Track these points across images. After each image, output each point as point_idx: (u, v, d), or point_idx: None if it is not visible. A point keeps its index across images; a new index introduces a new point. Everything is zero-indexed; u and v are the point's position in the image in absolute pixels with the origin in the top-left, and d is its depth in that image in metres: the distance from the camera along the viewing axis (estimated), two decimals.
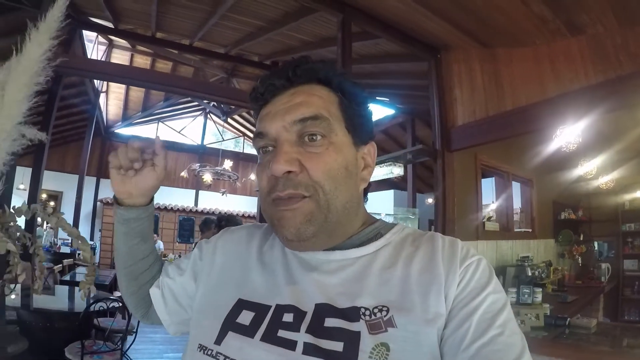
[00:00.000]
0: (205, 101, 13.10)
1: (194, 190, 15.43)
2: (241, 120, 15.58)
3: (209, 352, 0.73)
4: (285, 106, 0.78)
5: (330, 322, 0.69)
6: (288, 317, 0.72)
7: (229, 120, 15.31)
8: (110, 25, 7.02)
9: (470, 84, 4.49)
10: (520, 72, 4.01)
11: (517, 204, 6.02)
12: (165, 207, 13.79)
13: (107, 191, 12.83)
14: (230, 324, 0.75)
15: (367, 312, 0.69)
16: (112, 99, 12.59)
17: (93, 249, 11.19)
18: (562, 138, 4.37)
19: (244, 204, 15.42)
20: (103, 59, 9.92)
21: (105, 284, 6.98)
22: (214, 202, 15.01)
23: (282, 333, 0.70)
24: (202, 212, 13.88)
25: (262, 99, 0.84)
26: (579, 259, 6.56)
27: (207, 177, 12.85)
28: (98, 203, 13.59)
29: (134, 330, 4.22)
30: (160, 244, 11.84)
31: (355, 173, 0.80)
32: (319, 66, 0.83)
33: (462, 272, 0.71)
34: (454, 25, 4.08)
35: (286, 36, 6.39)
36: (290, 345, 0.68)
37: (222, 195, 14.09)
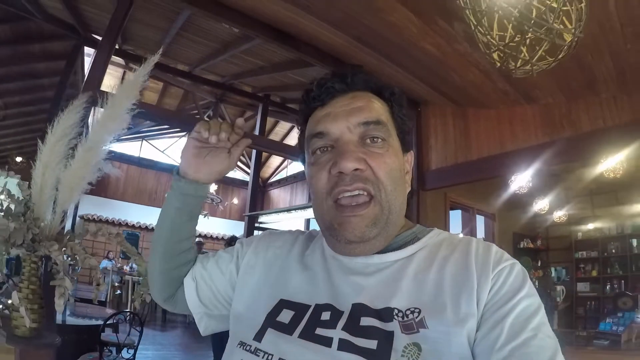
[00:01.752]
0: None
1: None
2: None
3: (248, 348, 0.77)
4: (347, 108, 0.83)
5: (365, 321, 0.72)
6: (326, 316, 0.76)
7: None
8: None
9: (443, 135, 5.51)
10: (485, 129, 5.05)
11: (480, 234, 7.18)
12: (147, 227, 13.62)
13: (87, 207, 12.72)
14: (270, 322, 0.79)
15: (400, 314, 0.72)
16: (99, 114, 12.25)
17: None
18: (516, 183, 5.61)
19: (223, 227, 15.43)
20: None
21: (102, 300, 7.18)
22: None
23: (319, 331, 0.74)
24: None
25: (319, 101, 0.87)
26: (536, 282, 7.54)
27: None
28: (78, 219, 13.61)
29: (134, 344, 4.31)
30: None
31: (404, 177, 0.86)
32: (372, 77, 0.89)
33: (495, 276, 0.73)
34: (433, 89, 4.99)
35: (285, 76, 6.94)
36: (326, 342, 0.71)
37: (205, 217, 13.71)
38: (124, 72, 10.72)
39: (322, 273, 0.85)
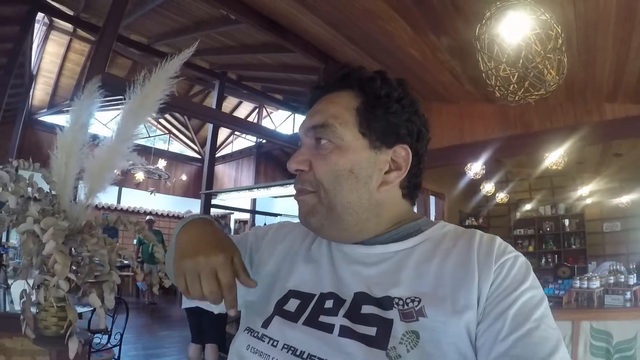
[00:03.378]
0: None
1: (117, 187, 14.06)
2: (170, 119, 15.48)
3: (255, 334, 0.81)
4: (310, 113, 0.89)
5: (366, 309, 0.75)
6: (329, 304, 0.79)
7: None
8: (68, 11, 7.04)
9: None
10: (447, 122, 5.81)
11: (432, 212, 8.09)
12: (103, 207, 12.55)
13: None
14: (278, 311, 0.83)
15: (400, 302, 0.74)
16: (40, 83, 11.55)
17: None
18: (472, 170, 6.38)
19: (170, 204, 14.89)
20: (39, 40, 9.67)
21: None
22: (138, 200, 14.18)
23: (322, 318, 0.77)
24: (126, 210, 13.36)
25: (308, 104, 0.93)
26: None
27: (140, 176, 12.48)
28: None
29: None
30: None
31: (367, 175, 0.83)
32: (353, 72, 0.89)
33: (497, 268, 0.73)
34: None
35: (253, 57, 7.16)
36: (328, 328, 0.75)
37: (151, 194, 13.59)
38: (70, 40, 10.33)
39: (327, 263, 0.88)
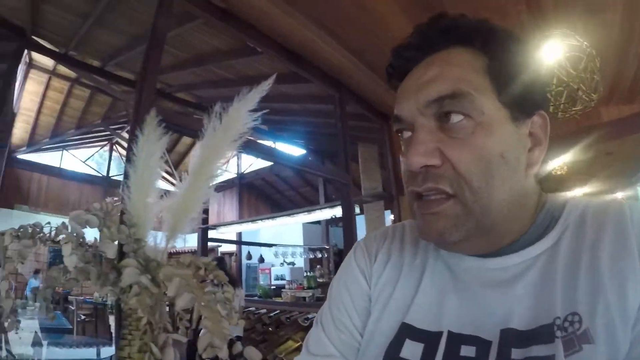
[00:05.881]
0: (118, 131, 12.95)
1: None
2: None
3: None
4: (418, 82, 0.66)
5: (519, 353, 0.57)
6: (468, 351, 0.61)
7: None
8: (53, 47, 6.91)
9: None
10: None
11: None
12: (54, 240, 12.97)
13: (4, 222, 11.99)
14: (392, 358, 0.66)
15: (561, 326, 0.56)
16: (19, 121, 11.66)
17: None
18: None
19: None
20: (20, 78, 9.55)
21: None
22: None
23: None
24: None
25: (396, 76, 0.73)
26: None
27: None
28: None
29: None
30: None
31: (517, 157, 0.64)
32: (458, 23, 0.68)
33: None
34: None
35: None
36: None
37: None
38: (49, 78, 10.29)
39: (450, 284, 0.69)
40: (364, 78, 5.01)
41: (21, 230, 1.12)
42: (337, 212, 7.15)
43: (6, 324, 0.98)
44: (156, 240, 1.35)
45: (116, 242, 1.22)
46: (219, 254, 13.66)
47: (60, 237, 1.22)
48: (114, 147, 15.76)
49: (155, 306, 1.09)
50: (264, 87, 1.47)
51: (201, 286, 1.26)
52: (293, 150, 10.10)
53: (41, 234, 1.13)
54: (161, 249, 1.43)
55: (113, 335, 8.96)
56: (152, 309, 1.05)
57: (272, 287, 8.56)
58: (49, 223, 1.07)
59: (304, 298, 6.82)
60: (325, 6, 3.84)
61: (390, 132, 6.03)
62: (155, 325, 1.10)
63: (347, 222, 5.04)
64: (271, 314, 6.37)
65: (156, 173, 1.48)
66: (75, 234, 1.14)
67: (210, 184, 1.49)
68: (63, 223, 1.28)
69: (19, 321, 0.98)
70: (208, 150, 1.48)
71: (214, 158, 1.51)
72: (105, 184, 15.11)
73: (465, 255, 0.70)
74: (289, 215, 8.74)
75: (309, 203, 13.40)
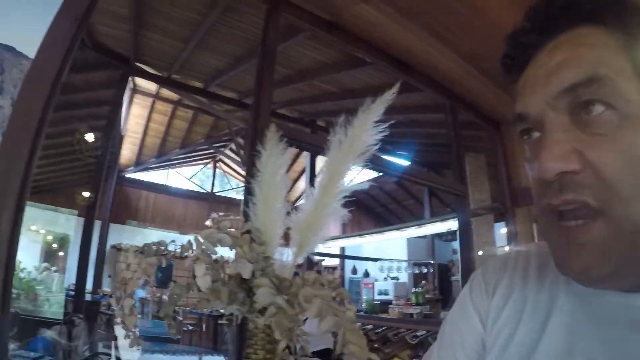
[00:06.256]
0: (221, 148, 13.53)
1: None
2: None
3: None
4: (544, 71, 0.55)
5: None
6: None
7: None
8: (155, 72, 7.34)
9: None
10: None
11: None
12: (180, 256, 13.83)
13: (117, 236, 13.08)
14: None
15: None
16: (127, 143, 12.63)
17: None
18: None
19: None
20: (125, 104, 10.15)
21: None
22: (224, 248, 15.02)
23: None
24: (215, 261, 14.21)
25: (515, 67, 0.61)
26: None
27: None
28: (109, 248, 13.65)
29: None
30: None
31: None
32: None
33: None
34: None
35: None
36: None
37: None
38: (153, 101, 10.89)
39: (582, 327, 0.55)
40: (475, 84, 4.82)
41: (145, 247, 1.05)
42: (447, 226, 6.92)
43: (129, 341, 0.95)
44: (282, 257, 1.25)
45: (250, 262, 1.12)
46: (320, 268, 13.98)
47: (187, 254, 1.15)
48: (217, 164, 16.47)
49: (292, 328, 0.95)
50: (388, 96, 1.32)
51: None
52: (398, 162, 9.81)
53: (166, 252, 1.06)
54: (288, 266, 1.31)
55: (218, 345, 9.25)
56: (289, 332, 0.92)
57: (377, 302, 8.45)
58: (173, 241, 1.01)
59: (411, 314, 6.64)
60: (436, 12, 3.73)
61: (503, 140, 5.74)
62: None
63: (464, 237, 4.79)
64: (378, 330, 6.23)
65: (282, 189, 1.39)
66: (207, 253, 1.06)
67: (339, 200, 1.36)
68: (189, 241, 1.20)
69: (141, 337, 0.97)
70: (335, 165, 1.37)
71: (341, 173, 1.40)
72: (210, 200, 15.88)
73: (606, 290, 0.54)
74: (397, 229, 8.62)
75: (412, 216, 13.12)
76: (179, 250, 1.05)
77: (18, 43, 1.71)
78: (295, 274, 1.11)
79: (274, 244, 1.28)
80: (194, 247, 1.13)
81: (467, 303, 0.72)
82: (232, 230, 1.20)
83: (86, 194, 6.49)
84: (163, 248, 1.12)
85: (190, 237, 1.05)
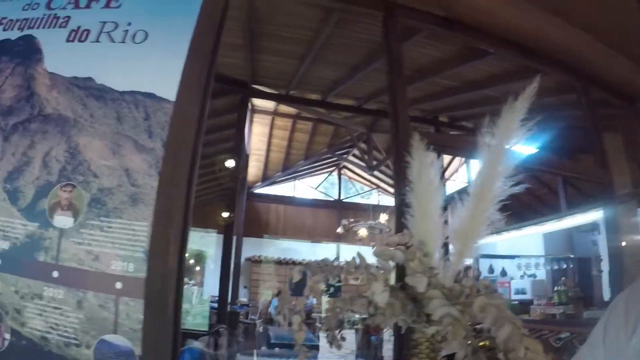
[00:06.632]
0: (344, 155, 13.75)
1: (335, 244, 15.28)
2: (377, 173, 15.72)
3: None
4: None
5: None
6: None
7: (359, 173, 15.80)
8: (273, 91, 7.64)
9: None
10: None
11: None
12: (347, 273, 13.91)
13: (250, 249, 13.87)
14: None
15: None
16: (252, 160, 13.11)
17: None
18: None
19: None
20: (247, 125, 10.40)
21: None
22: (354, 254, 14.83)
23: None
24: None
25: None
26: None
27: (363, 232, 13.32)
28: (243, 261, 14.31)
29: None
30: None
31: None
32: None
33: None
34: None
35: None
36: None
37: (374, 248, 14.35)
38: (273, 118, 11.30)
39: None
40: (604, 59, 4.46)
41: (310, 266, 1.12)
42: (589, 217, 6.45)
43: (300, 356, 1.01)
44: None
45: (425, 276, 1.15)
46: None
47: (355, 270, 1.20)
48: (341, 171, 16.74)
49: (467, 338, 0.97)
50: (530, 92, 1.28)
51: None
52: (524, 150, 9.27)
53: (330, 269, 1.11)
54: (449, 275, 1.32)
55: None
56: (464, 341, 0.93)
57: (515, 302, 7.99)
58: (337, 259, 1.06)
59: (554, 315, 6.26)
60: None
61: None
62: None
63: (611, 228, 4.43)
64: None
65: (439, 200, 1.39)
66: (385, 270, 1.10)
67: (494, 205, 1.33)
68: (353, 258, 1.25)
69: (308, 349, 0.99)
70: (487, 169, 1.34)
71: (494, 177, 1.37)
72: (338, 207, 16.18)
73: None
74: (535, 224, 8.32)
75: (546, 207, 12.22)
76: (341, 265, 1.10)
77: (156, 89, 1.81)
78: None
79: (434, 254, 1.30)
80: (358, 263, 1.19)
81: (597, 337, 0.63)
82: (400, 245, 1.24)
83: (225, 214, 6.90)
84: (330, 266, 1.18)
85: (355, 253, 1.11)
